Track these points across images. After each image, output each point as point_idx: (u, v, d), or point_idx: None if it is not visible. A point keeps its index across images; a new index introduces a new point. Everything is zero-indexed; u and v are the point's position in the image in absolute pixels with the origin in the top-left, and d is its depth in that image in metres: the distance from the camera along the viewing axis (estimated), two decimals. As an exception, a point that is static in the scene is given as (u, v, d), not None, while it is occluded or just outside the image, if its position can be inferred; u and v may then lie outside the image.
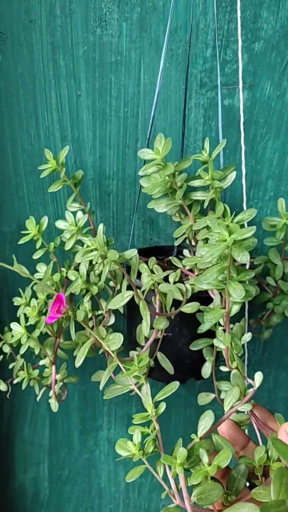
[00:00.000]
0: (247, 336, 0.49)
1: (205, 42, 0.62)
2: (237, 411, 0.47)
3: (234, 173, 0.51)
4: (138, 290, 0.51)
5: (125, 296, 0.51)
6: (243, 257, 0.38)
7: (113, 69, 0.61)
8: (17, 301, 0.58)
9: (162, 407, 0.42)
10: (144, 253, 0.60)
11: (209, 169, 0.51)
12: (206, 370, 0.56)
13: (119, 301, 0.51)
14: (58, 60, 0.60)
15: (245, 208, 0.59)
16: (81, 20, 0.59)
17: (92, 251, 0.51)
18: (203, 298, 0.52)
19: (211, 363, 0.56)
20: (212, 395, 0.58)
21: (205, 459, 0.38)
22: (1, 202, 0.67)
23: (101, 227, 0.51)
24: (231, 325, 0.50)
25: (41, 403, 0.80)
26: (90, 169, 0.66)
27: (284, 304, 0.62)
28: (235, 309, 0.46)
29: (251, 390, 0.45)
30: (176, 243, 0.57)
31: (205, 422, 0.41)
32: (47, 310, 0.53)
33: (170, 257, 0.58)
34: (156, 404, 0.43)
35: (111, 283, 0.57)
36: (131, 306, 0.57)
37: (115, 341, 0.49)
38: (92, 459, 0.85)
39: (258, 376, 0.45)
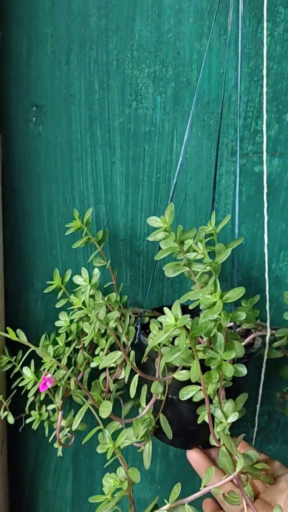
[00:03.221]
0: (233, 416, 0.48)
1: (236, 114, 0.63)
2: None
3: (230, 250, 0.50)
4: (128, 356, 0.53)
5: (114, 356, 0.54)
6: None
7: (147, 138, 0.64)
8: (32, 346, 0.61)
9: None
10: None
11: (202, 245, 0.51)
12: None
13: (108, 360, 0.54)
14: (95, 131, 0.63)
15: (266, 276, 0.59)
16: (117, 94, 0.62)
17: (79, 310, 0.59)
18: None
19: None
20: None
21: None
22: (36, 260, 0.70)
23: (88, 288, 0.58)
24: (224, 400, 0.50)
25: (65, 456, 0.80)
26: (121, 231, 0.68)
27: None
28: (211, 388, 0.48)
29: (230, 476, 0.45)
30: (191, 307, 0.57)
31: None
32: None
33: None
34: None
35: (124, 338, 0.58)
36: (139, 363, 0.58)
37: (106, 410, 0.51)
38: (114, 515, 0.84)
39: (240, 464, 0.45)
